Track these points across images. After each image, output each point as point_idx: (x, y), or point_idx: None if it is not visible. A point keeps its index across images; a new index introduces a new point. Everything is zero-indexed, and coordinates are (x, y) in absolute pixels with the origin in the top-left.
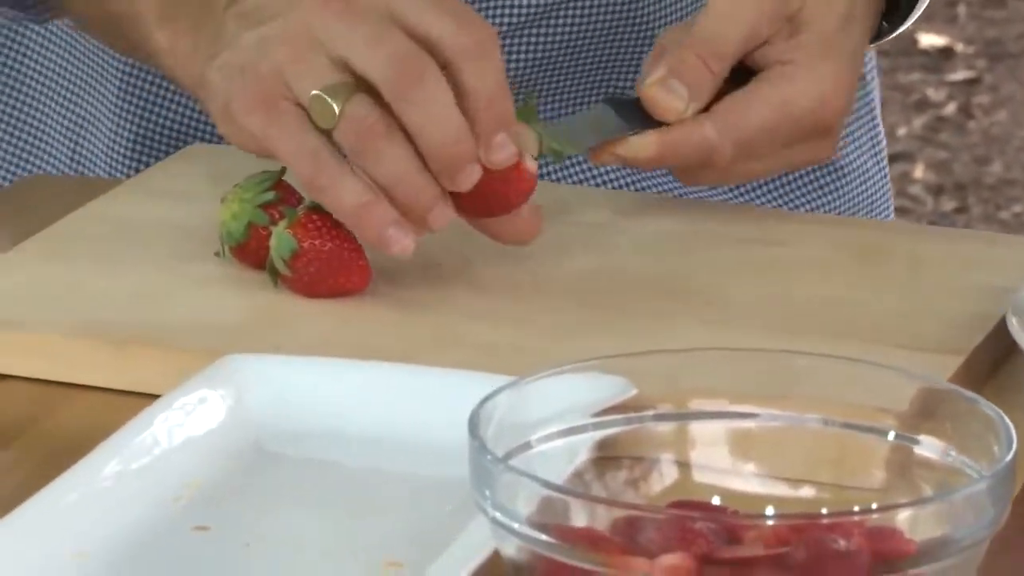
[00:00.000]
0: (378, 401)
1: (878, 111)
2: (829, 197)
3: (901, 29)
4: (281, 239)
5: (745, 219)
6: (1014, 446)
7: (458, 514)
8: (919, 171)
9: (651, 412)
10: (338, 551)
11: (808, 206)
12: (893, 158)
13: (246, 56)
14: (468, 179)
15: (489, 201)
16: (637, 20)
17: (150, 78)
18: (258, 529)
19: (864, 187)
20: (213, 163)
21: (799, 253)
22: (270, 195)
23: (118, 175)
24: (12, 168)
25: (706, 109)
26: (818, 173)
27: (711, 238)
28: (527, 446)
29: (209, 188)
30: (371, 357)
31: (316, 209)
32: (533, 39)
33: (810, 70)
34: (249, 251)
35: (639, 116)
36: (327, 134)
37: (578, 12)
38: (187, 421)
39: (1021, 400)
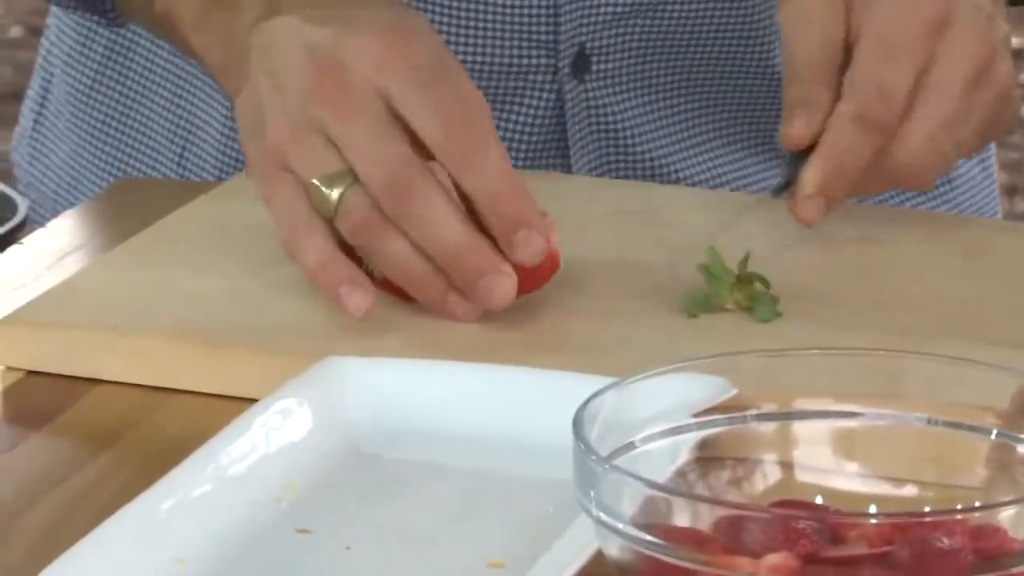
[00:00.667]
0: (476, 402)
1: None
2: (935, 202)
3: None
4: None
5: (849, 218)
6: None
7: (560, 514)
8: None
9: (753, 412)
10: (439, 551)
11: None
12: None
13: (254, 111)
14: (492, 293)
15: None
16: (739, 15)
17: None
18: (359, 531)
19: (971, 193)
20: None
21: (902, 251)
22: None
23: (224, 178)
24: (120, 170)
25: None
26: None
27: (815, 237)
28: (630, 446)
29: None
30: (469, 359)
31: None
32: (638, 29)
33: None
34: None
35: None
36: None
37: (679, 6)
38: (285, 424)
39: None
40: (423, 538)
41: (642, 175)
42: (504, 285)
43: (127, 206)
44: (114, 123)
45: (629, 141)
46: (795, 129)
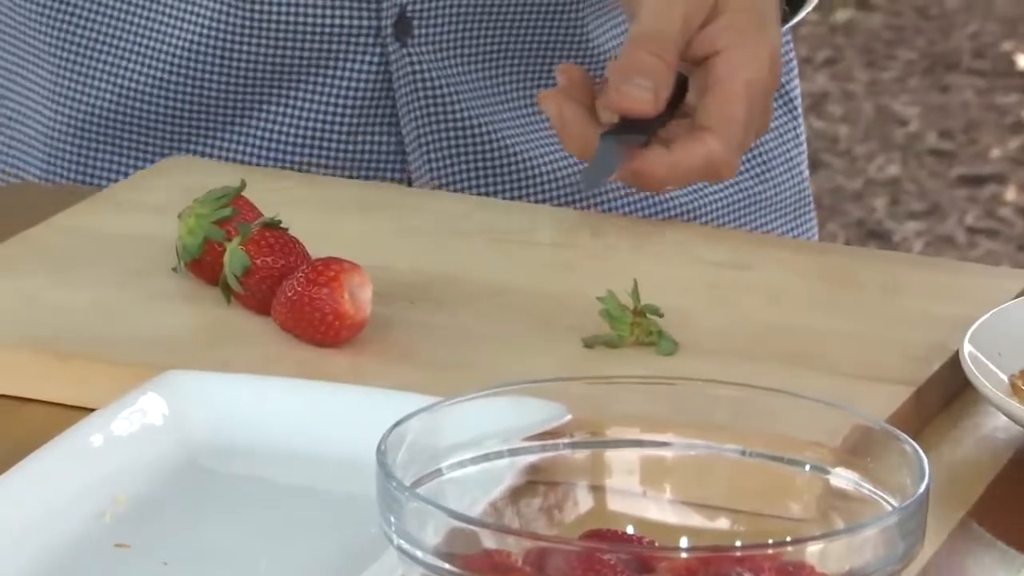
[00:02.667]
0: (313, 420)
1: (798, 102)
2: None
3: (800, 15)
4: (234, 255)
5: (721, 242)
6: (926, 480)
7: (383, 535)
8: (1011, 193)
9: (567, 439)
10: (257, 570)
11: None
12: (985, 179)
13: None
14: None
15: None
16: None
17: (81, 65)
18: (179, 547)
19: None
20: (186, 177)
21: (766, 278)
22: (227, 211)
23: (57, 177)
24: None
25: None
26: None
27: (681, 261)
28: (439, 472)
29: (181, 201)
30: (318, 376)
31: (270, 226)
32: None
33: (742, 47)
34: (204, 266)
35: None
36: None
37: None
38: (120, 435)
39: (969, 432)
40: (242, 556)
41: (470, 141)
42: None
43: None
44: None
45: (454, 107)
46: (640, 100)
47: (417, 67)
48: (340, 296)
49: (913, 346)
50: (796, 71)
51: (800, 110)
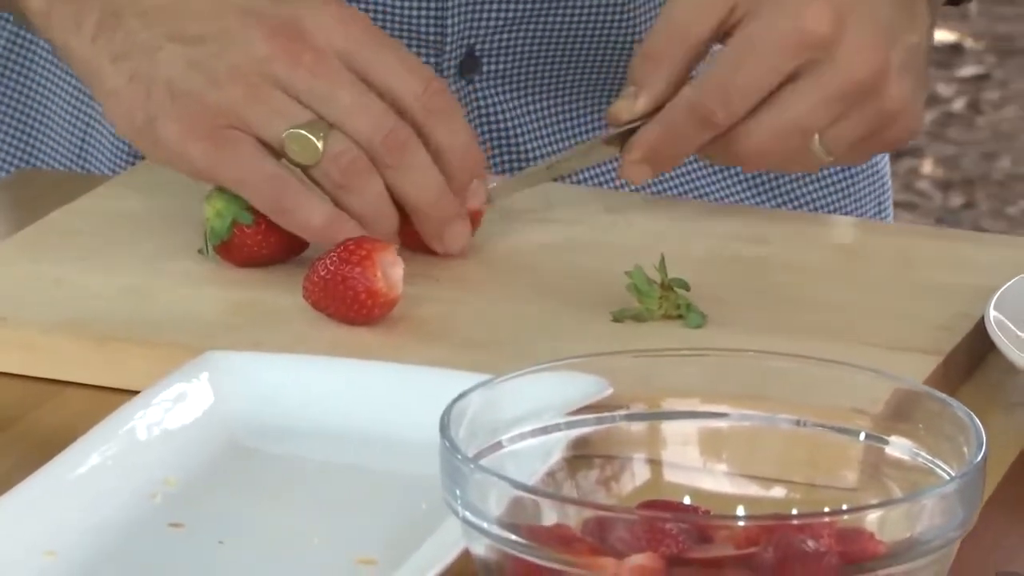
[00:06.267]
0: (355, 398)
1: None
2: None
3: None
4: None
5: (736, 217)
6: (984, 448)
7: (434, 512)
8: (927, 166)
9: (623, 412)
10: (311, 548)
11: (812, 204)
12: (901, 153)
13: (173, 75)
14: (457, 238)
15: None
16: (624, 22)
17: None
18: (232, 526)
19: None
20: None
21: (786, 252)
22: None
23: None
24: (22, 160)
25: None
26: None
27: (698, 236)
28: (499, 445)
29: (200, 184)
30: (350, 354)
31: None
32: (528, 33)
33: (774, 4)
34: (232, 249)
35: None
36: (302, 169)
37: (568, 11)
38: (165, 418)
39: (998, 400)
40: (296, 534)
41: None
42: (466, 231)
43: (24, 197)
44: (16, 114)
45: (516, 140)
46: (615, 108)
47: (481, 102)
48: (373, 274)
49: (937, 315)
50: None
51: None
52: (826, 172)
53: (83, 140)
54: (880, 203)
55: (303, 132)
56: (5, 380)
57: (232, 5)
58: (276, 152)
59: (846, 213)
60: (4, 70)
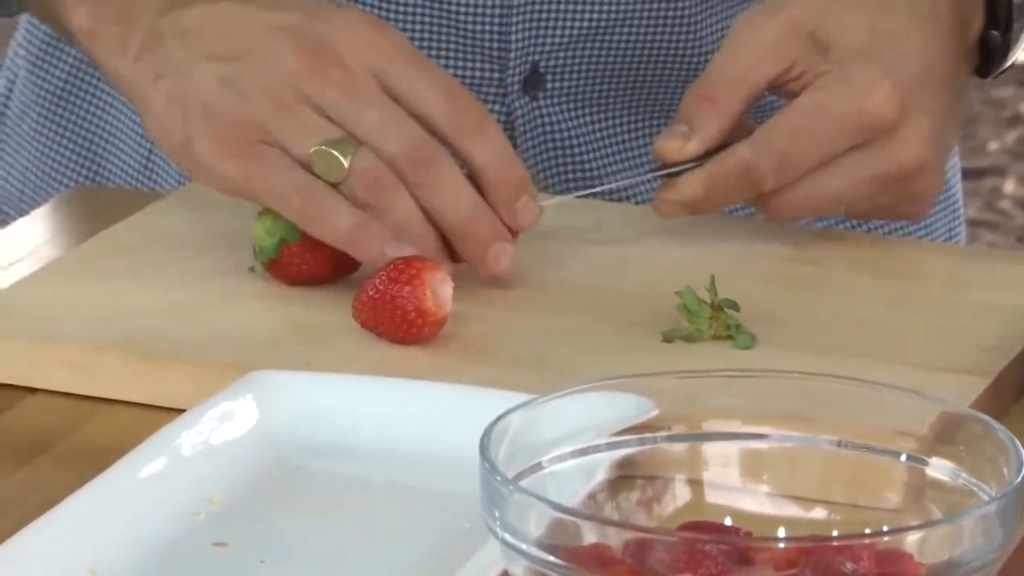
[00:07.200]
0: (401, 417)
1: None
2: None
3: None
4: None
5: (781, 237)
6: (1023, 468)
7: (476, 532)
8: (1010, 186)
9: (665, 432)
10: (353, 567)
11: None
12: (983, 172)
13: (206, 94)
14: (499, 260)
15: None
16: (690, 41)
17: None
18: (275, 545)
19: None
20: None
21: (834, 272)
22: None
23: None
24: (87, 175)
25: None
26: None
27: (750, 255)
28: (539, 466)
29: (252, 202)
30: (398, 374)
31: None
32: (594, 50)
33: (841, 74)
34: (281, 267)
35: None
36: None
37: (633, 29)
38: (211, 436)
39: None
40: (338, 553)
41: (607, 193)
42: (508, 252)
43: (81, 214)
44: (83, 129)
45: (580, 158)
46: (665, 148)
47: (545, 119)
48: (423, 294)
49: (985, 336)
50: None
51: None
52: None
53: (148, 157)
54: (951, 229)
55: (329, 150)
56: (51, 398)
57: (266, 22)
58: (307, 168)
59: (918, 238)
60: (72, 88)
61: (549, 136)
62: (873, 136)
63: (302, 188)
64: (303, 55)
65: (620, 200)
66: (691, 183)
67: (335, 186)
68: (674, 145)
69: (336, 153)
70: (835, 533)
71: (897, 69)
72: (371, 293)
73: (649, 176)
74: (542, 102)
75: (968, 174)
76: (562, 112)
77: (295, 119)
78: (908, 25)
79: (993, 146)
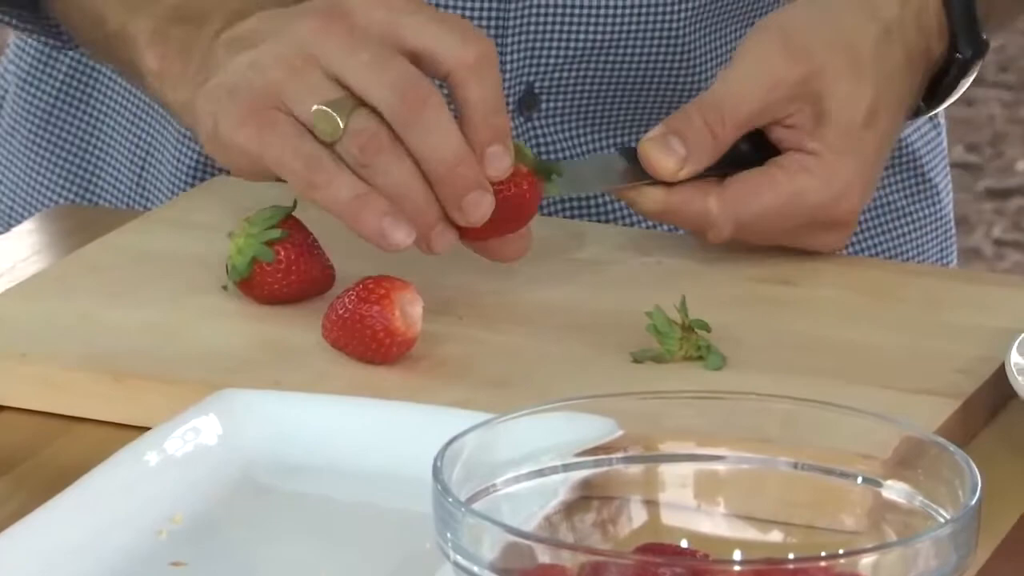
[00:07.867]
0: (368, 437)
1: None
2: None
3: (938, 109)
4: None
5: (755, 257)
6: (978, 492)
7: (436, 552)
8: None
9: (622, 454)
10: None
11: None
12: (1010, 192)
13: (237, 77)
14: (477, 208)
15: (498, 222)
16: (684, 63)
17: None
18: (236, 565)
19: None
20: (237, 195)
21: (810, 293)
22: (276, 232)
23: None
24: (78, 192)
25: (722, 177)
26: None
27: (725, 276)
28: (494, 488)
29: (230, 220)
30: (370, 393)
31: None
32: (588, 71)
33: (829, 166)
34: (254, 286)
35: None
36: (328, 146)
37: (627, 50)
38: (176, 453)
39: (1017, 446)
40: (297, 572)
41: (588, 212)
42: (486, 202)
43: (63, 231)
44: (73, 147)
45: None
46: (659, 163)
47: (540, 139)
48: (391, 313)
49: (958, 358)
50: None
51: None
52: (889, 219)
53: (140, 175)
54: (943, 249)
55: (326, 109)
56: (20, 416)
57: (299, 11)
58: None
59: (907, 260)
60: (63, 105)
61: (544, 155)
62: (824, 228)
63: (306, 155)
64: (315, 21)
65: (598, 220)
66: (653, 198)
67: (332, 146)
68: (667, 165)
69: (333, 112)
70: (791, 556)
71: (874, 164)
72: (340, 312)
73: (647, 182)
74: (537, 122)
75: (995, 194)
76: (557, 132)
77: (302, 81)
78: (902, 96)
79: (1021, 166)
